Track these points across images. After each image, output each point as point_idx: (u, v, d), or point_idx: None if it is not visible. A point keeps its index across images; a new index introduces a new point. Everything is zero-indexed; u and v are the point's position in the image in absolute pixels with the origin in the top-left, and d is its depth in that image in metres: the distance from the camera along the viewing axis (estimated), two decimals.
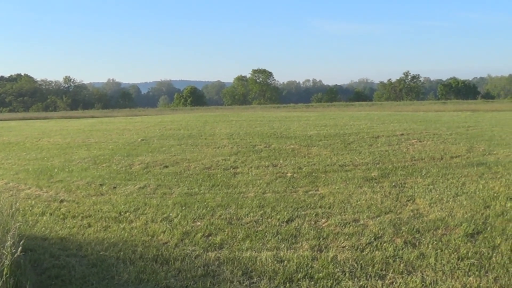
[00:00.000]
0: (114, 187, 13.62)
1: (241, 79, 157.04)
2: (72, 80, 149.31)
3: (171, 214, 10.60)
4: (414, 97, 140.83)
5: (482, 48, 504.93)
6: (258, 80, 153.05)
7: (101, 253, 8.34)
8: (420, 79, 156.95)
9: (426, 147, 20.02)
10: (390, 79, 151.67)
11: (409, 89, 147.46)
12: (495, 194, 11.90)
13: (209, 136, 25.27)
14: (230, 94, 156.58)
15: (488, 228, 9.32)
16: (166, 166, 16.38)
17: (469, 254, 8.02)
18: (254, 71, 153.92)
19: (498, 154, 17.87)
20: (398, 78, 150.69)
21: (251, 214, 10.49)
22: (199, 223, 9.94)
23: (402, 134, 24.33)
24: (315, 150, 19.38)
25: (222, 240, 8.89)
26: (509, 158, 17.04)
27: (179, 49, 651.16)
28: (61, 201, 12.36)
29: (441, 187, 12.79)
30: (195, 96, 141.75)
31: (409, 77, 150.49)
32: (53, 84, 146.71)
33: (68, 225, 10.16)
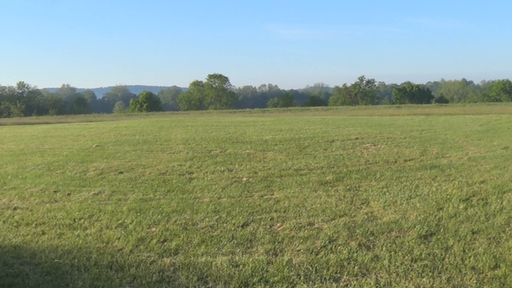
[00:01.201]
0: (69, 194, 13.50)
1: (197, 84, 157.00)
2: (26, 86, 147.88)
3: (126, 220, 10.55)
4: (369, 102, 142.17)
5: (436, 53, 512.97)
6: (214, 85, 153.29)
7: (55, 260, 8.28)
8: (375, 83, 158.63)
9: (380, 150, 20.21)
10: (345, 83, 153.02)
11: (364, 94, 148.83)
12: (448, 196, 12.07)
13: (165, 141, 25.16)
14: (186, 99, 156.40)
15: (441, 230, 9.46)
16: (121, 172, 16.29)
17: (423, 255, 8.14)
18: (210, 76, 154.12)
19: (451, 157, 18.12)
20: (353, 82, 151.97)
21: (207, 219, 10.50)
22: (154, 229, 9.92)
23: (357, 138, 24.49)
24: (271, 154, 19.44)
25: (177, 245, 8.89)
26: (462, 160, 17.29)
27: (134, 54, 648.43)
28: (15, 208, 12.20)
29: (395, 190, 12.95)
30: (151, 102, 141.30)
31: (364, 81, 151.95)
32: (6, 89, 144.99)
33: (21, 233, 10.04)
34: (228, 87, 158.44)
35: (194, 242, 9.05)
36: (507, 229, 9.53)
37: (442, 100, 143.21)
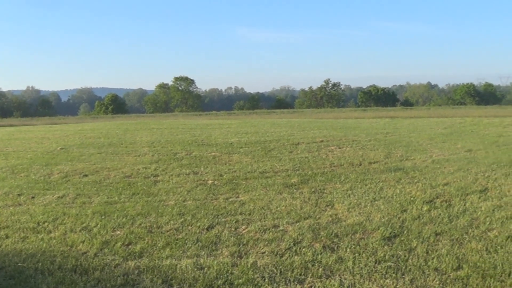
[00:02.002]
0: (33, 197, 13.36)
1: (163, 86, 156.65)
2: None
3: (90, 224, 10.45)
4: (335, 105, 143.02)
5: (401, 57, 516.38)
6: (180, 88, 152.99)
7: (19, 264, 8.18)
8: (341, 86, 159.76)
9: (345, 153, 20.33)
10: (311, 86, 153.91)
11: (330, 97, 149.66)
12: (412, 198, 12.19)
13: (130, 144, 25.05)
14: (152, 101, 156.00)
15: (405, 232, 9.54)
16: (86, 175, 16.16)
17: (386, 257, 8.20)
18: (176, 79, 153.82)
19: (415, 160, 18.29)
20: (319, 85, 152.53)
21: (172, 222, 10.46)
22: (118, 232, 9.85)
23: (322, 141, 24.60)
24: (236, 157, 19.45)
25: (142, 248, 8.83)
26: (426, 163, 17.46)
27: (100, 56, 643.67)
28: None
29: (359, 192, 13.03)
30: (116, 104, 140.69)
31: (330, 84, 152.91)
32: None
33: None
34: (194, 89, 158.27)
35: (159, 245, 9.01)
36: (470, 230, 9.65)
37: (407, 103, 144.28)
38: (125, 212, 11.34)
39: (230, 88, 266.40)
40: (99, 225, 10.31)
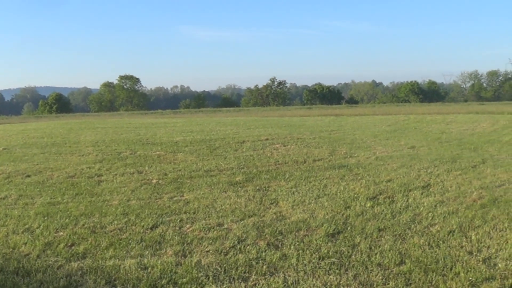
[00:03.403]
0: None
1: (108, 85, 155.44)
2: None
3: (33, 225, 10.28)
4: (281, 103, 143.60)
5: (346, 55, 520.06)
6: (125, 87, 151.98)
7: None
8: (286, 85, 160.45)
9: (290, 151, 20.42)
10: (257, 85, 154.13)
11: (276, 95, 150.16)
12: (355, 195, 12.33)
13: (74, 143, 24.74)
14: (97, 100, 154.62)
15: (348, 228, 9.66)
16: (29, 176, 15.91)
17: (330, 253, 8.29)
18: (121, 77, 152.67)
19: (358, 157, 18.48)
20: (265, 84, 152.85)
21: (115, 222, 10.38)
22: (61, 233, 9.73)
23: (267, 139, 24.66)
24: (181, 156, 19.37)
25: (85, 249, 8.74)
26: (369, 160, 17.66)
27: (44, 55, 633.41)
28: None
29: (303, 189, 13.12)
30: (61, 103, 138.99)
31: (276, 83, 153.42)
32: None
33: None
34: (140, 88, 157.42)
35: (102, 245, 8.93)
36: (412, 226, 9.81)
37: (352, 101, 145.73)
38: (68, 212, 11.19)
39: (176, 86, 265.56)
40: (41, 226, 10.17)
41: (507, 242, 8.89)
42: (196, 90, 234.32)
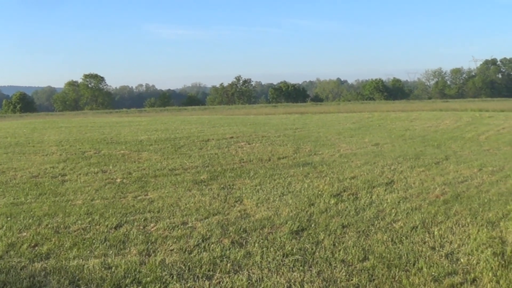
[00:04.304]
0: None
1: (72, 84, 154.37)
2: None
3: None
4: (246, 101, 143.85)
5: (312, 53, 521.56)
6: (90, 85, 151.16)
7: None
8: (252, 83, 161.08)
9: (254, 149, 20.47)
10: (222, 83, 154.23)
11: (241, 93, 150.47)
12: (320, 192, 12.44)
13: (37, 143, 24.47)
14: (61, 99, 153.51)
15: (312, 225, 9.76)
16: None
17: (294, 250, 8.36)
18: (86, 76, 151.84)
19: (323, 154, 18.60)
20: (230, 82, 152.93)
21: (79, 221, 10.31)
22: (25, 234, 9.63)
23: (232, 137, 24.67)
24: (146, 155, 19.31)
25: (48, 249, 8.68)
26: (333, 157, 17.79)
27: (6, 53, 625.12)
28: None
29: (268, 187, 13.19)
30: (25, 103, 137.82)
31: (241, 81, 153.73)
32: None
33: None
34: (105, 87, 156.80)
35: (66, 245, 8.87)
36: (376, 222, 9.94)
37: (317, 99, 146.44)
38: (31, 213, 11.09)
39: (141, 85, 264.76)
40: (4, 227, 10.05)
41: (469, 237, 9.04)
42: (162, 88, 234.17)
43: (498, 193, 12.35)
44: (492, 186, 13.20)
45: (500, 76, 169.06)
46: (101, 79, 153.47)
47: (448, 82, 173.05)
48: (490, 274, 7.38)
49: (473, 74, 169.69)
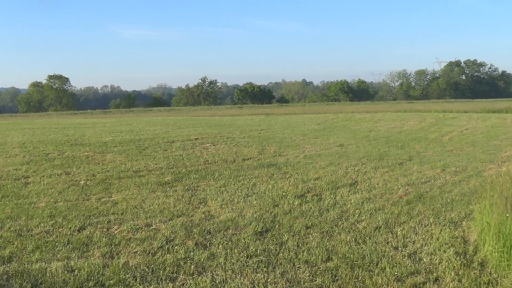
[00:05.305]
0: None
1: (36, 85, 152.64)
2: None
3: None
4: (212, 102, 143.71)
5: (277, 55, 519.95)
6: (54, 86, 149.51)
7: None
8: (218, 84, 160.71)
9: (219, 150, 20.46)
10: (188, 84, 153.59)
11: (207, 94, 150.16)
12: (284, 193, 12.50)
13: (0, 145, 24.10)
14: (25, 101, 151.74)
15: (276, 226, 9.82)
16: None
17: (258, 251, 8.43)
18: (50, 77, 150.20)
19: (287, 155, 18.66)
20: (196, 83, 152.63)
21: (42, 224, 10.23)
22: None
23: (197, 139, 24.61)
24: (110, 156, 19.18)
25: (11, 253, 8.61)
26: (298, 158, 17.86)
27: None
28: None
29: (232, 188, 13.21)
30: None
31: (207, 82, 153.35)
32: None
33: None
34: (69, 88, 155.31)
35: (28, 248, 8.81)
36: (340, 223, 10.03)
37: (283, 100, 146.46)
38: None
39: (106, 86, 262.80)
40: None
41: (432, 237, 9.17)
42: (127, 89, 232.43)
43: (461, 193, 12.52)
44: (455, 186, 13.37)
45: (464, 77, 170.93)
46: (66, 80, 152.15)
47: (413, 83, 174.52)
48: (453, 273, 7.49)
49: (437, 75, 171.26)
